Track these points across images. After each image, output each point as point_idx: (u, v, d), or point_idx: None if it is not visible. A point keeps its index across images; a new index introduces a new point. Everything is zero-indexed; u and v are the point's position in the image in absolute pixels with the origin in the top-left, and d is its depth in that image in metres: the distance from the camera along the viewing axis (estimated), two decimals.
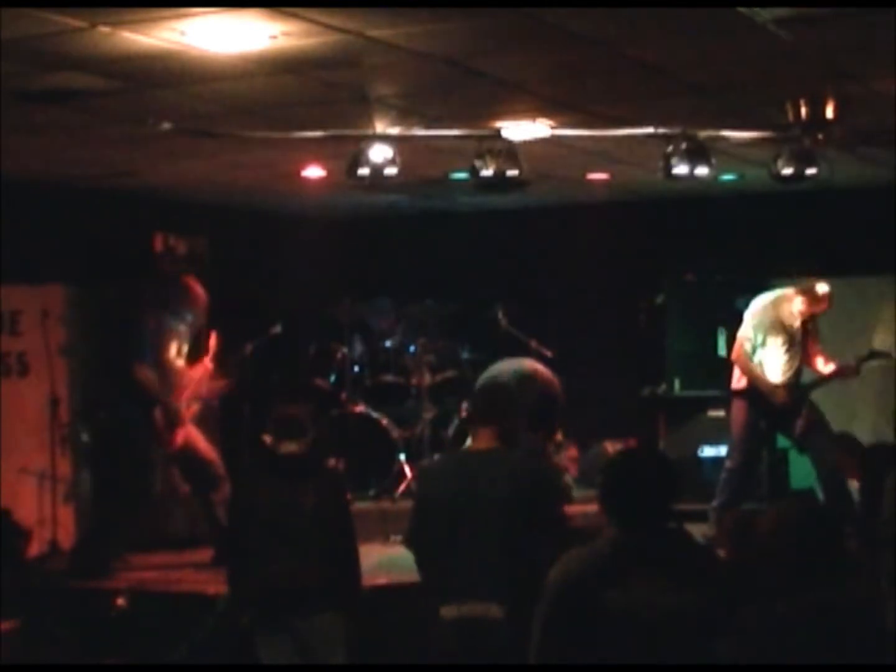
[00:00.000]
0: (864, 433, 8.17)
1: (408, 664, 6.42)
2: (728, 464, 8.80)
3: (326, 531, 5.83)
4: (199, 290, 8.48)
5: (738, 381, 8.80)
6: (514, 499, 5.11)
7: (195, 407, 8.45)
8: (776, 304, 8.73)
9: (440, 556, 5.18)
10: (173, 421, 8.19)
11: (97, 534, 8.52)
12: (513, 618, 4.94)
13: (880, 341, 9.81)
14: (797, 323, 8.70)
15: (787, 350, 8.68)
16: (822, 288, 8.66)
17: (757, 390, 8.66)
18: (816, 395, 8.86)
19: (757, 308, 8.76)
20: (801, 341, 8.71)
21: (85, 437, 9.60)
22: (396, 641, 6.58)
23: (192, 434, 8.42)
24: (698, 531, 6.69)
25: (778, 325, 8.67)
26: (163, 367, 8.23)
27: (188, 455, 8.35)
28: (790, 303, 8.70)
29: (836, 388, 9.08)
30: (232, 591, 6.15)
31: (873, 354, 9.09)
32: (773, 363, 8.68)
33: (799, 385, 8.74)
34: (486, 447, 5.26)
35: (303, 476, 5.91)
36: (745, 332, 8.71)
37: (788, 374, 8.70)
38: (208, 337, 8.69)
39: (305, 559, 5.77)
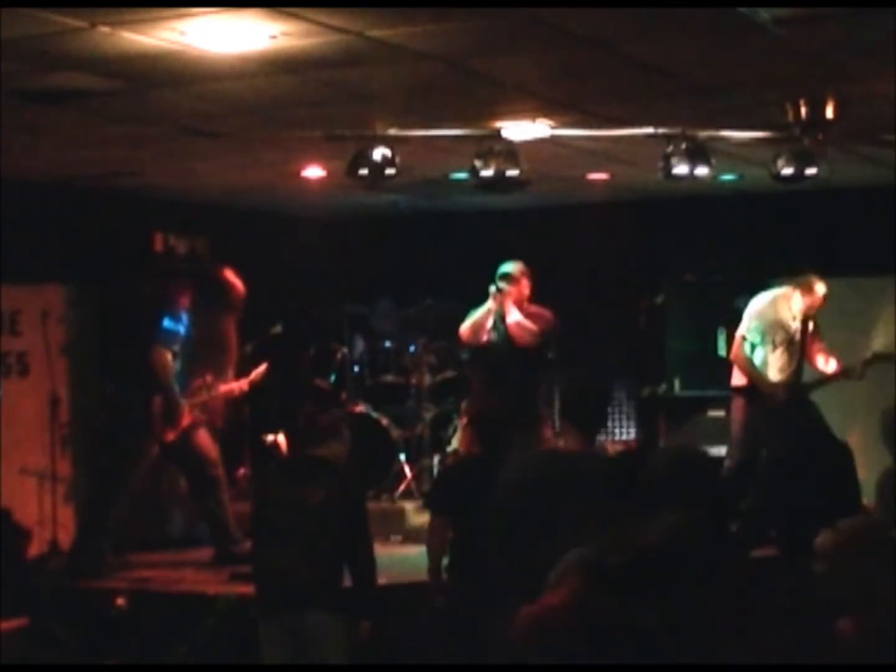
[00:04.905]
0: (865, 435, 8.15)
1: (408, 664, 6.43)
2: (727, 462, 8.80)
3: (333, 529, 5.83)
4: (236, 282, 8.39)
5: (738, 378, 8.81)
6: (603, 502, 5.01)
7: (203, 416, 8.39)
8: (775, 303, 8.75)
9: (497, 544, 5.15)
10: (172, 416, 8.15)
11: (91, 532, 8.51)
12: None
13: (881, 344, 9.80)
14: (796, 322, 8.72)
15: (787, 349, 8.69)
16: (819, 287, 8.70)
17: (756, 389, 8.66)
18: (816, 396, 8.85)
19: (755, 307, 8.77)
20: (800, 340, 8.73)
21: (84, 437, 9.61)
22: (396, 641, 6.58)
23: (197, 430, 8.37)
24: None
25: (777, 325, 8.69)
26: (190, 361, 8.21)
27: (186, 449, 8.30)
28: (788, 301, 8.73)
29: (836, 390, 9.07)
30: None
31: (877, 357, 9.07)
32: (773, 362, 8.69)
33: (799, 385, 8.74)
34: (576, 448, 5.23)
35: (311, 474, 5.91)
36: (744, 330, 8.73)
37: (788, 374, 8.70)
38: (258, 363, 8.65)
39: (308, 556, 5.78)
